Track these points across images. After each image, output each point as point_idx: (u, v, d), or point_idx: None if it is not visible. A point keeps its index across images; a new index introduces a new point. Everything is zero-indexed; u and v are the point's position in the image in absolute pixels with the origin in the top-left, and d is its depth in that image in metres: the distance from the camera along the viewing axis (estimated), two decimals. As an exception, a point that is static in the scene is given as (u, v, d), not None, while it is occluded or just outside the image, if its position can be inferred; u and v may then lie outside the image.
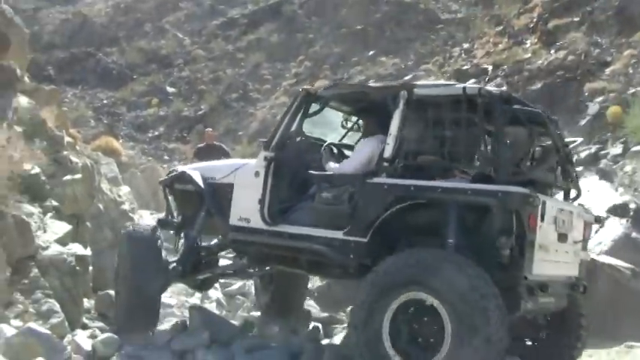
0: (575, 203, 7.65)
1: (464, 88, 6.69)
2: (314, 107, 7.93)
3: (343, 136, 8.69)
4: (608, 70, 17.96)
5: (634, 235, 10.48)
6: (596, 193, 12.00)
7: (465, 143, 6.52)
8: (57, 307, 7.80)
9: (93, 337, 7.92)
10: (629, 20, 19.38)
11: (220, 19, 39.42)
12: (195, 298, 11.12)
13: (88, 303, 9.32)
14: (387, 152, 6.83)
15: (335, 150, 8.35)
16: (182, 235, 8.98)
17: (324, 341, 8.21)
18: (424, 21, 31.46)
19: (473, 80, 24.59)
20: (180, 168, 9.37)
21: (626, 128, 14.28)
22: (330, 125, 8.70)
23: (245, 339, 8.31)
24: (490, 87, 7.76)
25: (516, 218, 6.10)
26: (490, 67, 23.75)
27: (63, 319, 7.73)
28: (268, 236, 7.70)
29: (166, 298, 11.07)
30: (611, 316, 9.10)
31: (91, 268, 9.62)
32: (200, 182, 8.53)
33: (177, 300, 11.11)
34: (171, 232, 9.18)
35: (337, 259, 7.08)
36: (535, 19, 23.41)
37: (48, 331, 7.09)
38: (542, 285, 6.37)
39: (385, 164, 6.85)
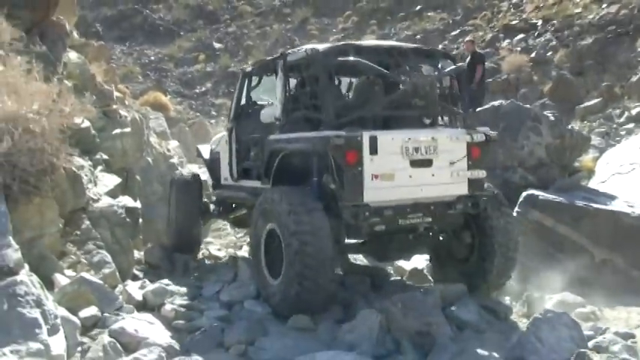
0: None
1: (305, 50, 8.02)
2: (254, 81, 9.61)
3: None
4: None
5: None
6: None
7: (313, 98, 7.82)
8: (108, 257, 7.93)
9: (143, 287, 8.04)
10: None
11: (267, -26, 39.14)
12: (244, 251, 11.22)
13: (138, 254, 9.45)
14: (277, 112, 8.35)
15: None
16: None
17: (373, 295, 8.25)
18: (473, -26, 30.89)
19: (521, 35, 24.28)
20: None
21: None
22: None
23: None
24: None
25: (333, 158, 7.19)
26: (539, 22, 23.37)
27: (114, 270, 7.86)
28: (234, 190, 9.69)
29: (215, 251, 11.23)
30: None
31: (140, 220, 9.73)
32: (204, 155, 11.12)
33: (225, 252, 11.23)
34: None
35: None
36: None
37: (100, 281, 7.22)
38: (377, 209, 7.28)
39: (276, 123, 8.34)
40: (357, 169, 7.11)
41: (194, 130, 21.91)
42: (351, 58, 7.73)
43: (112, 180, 9.42)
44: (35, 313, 5.61)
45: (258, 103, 9.74)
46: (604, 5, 20.70)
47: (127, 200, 9.34)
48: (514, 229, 8.28)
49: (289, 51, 8.65)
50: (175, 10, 36.85)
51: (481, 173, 7.84)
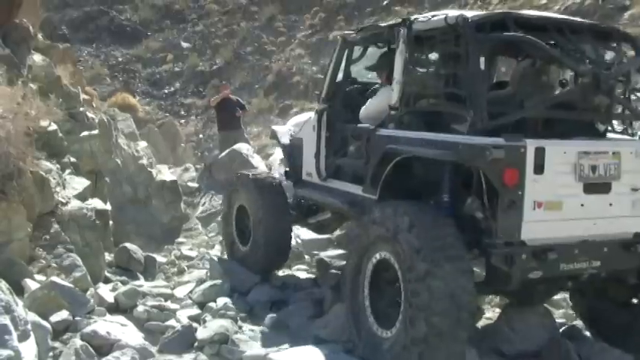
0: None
1: (445, 18, 5.90)
2: (356, 52, 7.74)
3: None
4: (626, 15, 17.67)
5: None
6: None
7: (451, 85, 5.88)
8: (79, 261, 7.86)
9: (115, 289, 8.00)
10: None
11: (233, -28, 39.08)
12: (216, 250, 11.20)
13: (109, 257, 9.40)
14: (393, 99, 6.41)
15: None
16: None
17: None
18: (439, -32, 31.04)
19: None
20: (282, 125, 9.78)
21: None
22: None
23: (264, 289, 8.39)
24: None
25: (484, 175, 5.42)
26: (506, 14, 23.48)
27: (85, 273, 7.80)
28: (320, 191, 7.87)
29: (187, 250, 11.20)
30: None
31: (111, 222, 9.69)
32: (282, 138, 9.03)
33: (197, 252, 11.21)
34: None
35: (357, 217, 6.84)
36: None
37: (71, 285, 7.18)
38: (536, 251, 5.47)
39: (392, 112, 6.45)
40: (517, 194, 5.29)
41: (163, 130, 21.79)
42: (515, 34, 5.70)
43: (80, 183, 9.35)
44: (4, 320, 5.53)
45: (360, 80, 8.13)
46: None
47: (96, 203, 9.30)
48: None
49: (416, 17, 6.49)
50: (142, 10, 36.59)
51: None
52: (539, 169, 5.33)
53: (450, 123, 5.94)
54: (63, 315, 6.61)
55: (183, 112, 28.38)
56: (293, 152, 8.68)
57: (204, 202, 14.42)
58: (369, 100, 7.28)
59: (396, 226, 5.59)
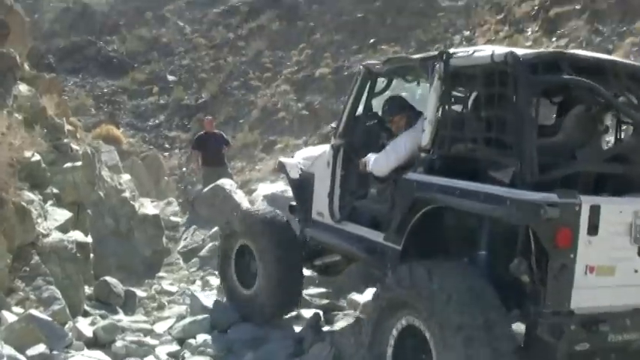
0: None
1: (492, 55, 5.27)
2: (379, 84, 7.05)
3: None
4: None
5: None
6: None
7: (496, 129, 5.21)
8: (58, 293, 7.80)
9: (94, 323, 7.93)
10: (631, 8, 19.33)
11: (221, 7, 39.18)
12: (196, 286, 11.14)
13: (89, 290, 9.32)
14: (424, 140, 5.79)
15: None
16: None
17: (325, 328, 8.20)
18: (425, 8, 31.27)
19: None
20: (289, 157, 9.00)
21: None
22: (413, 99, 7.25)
23: (245, 326, 8.32)
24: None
25: (534, 235, 4.80)
26: (491, 55, 23.72)
27: (64, 306, 7.73)
28: (332, 234, 7.13)
29: (167, 285, 11.14)
30: None
31: (92, 255, 9.62)
32: (290, 172, 8.17)
33: (178, 287, 11.14)
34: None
35: (377, 267, 6.41)
36: (536, 7, 23.33)
37: (49, 318, 7.11)
38: (586, 321, 4.94)
39: (422, 155, 5.81)
40: (569, 257, 4.73)
41: (147, 163, 21.74)
42: (574, 77, 5.13)
43: (62, 214, 9.30)
44: (-20, 353, 5.50)
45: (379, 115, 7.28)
46: (554, 39, 21.06)
47: (77, 235, 9.24)
48: None
49: (454, 50, 5.90)
50: (129, 42, 36.66)
51: None
52: (593, 229, 4.79)
53: (487, 169, 5.37)
54: (40, 349, 6.55)
55: (167, 145, 28.35)
56: (302, 188, 7.90)
57: (186, 237, 14.35)
58: (380, 154, 6.52)
59: (430, 293, 4.95)
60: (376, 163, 6.45)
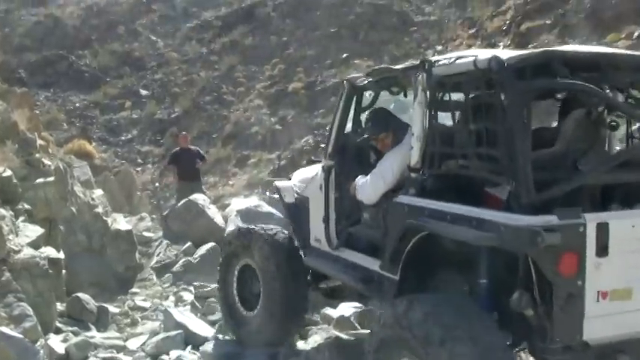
0: None
1: (474, 61, 4.66)
2: (366, 98, 6.54)
3: None
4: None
5: None
6: None
7: (488, 140, 4.57)
8: (29, 310, 7.73)
9: (66, 340, 7.87)
10: (601, 22, 19.52)
11: (194, 22, 39.23)
12: (170, 302, 11.07)
13: (61, 306, 9.23)
14: (413, 159, 5.25)
15: None
16: None
17: (299, 343, 8.18)
18: (398, 23, 31.52)
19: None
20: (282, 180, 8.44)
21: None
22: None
23: (219, 341, 8.29)
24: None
25: (534, 263, 4.26)
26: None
27: (36, 323, 7.67)
28: (329, 262, 6.64)
29: (140, 301, 11.06)
30: None
31: (64, 271, 9.55)
32: (285, 197, 7.70)
33: (151, 303, 11.07)
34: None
35: (376, 298, 6.05)
36: (508, 22, 23.56)
37: (20, 335, 7.04)
38: (602, 352, 4.52)
39: (412, 175, 5.30)
40: (576, 284, 4.19)
41: (119, 178, 21.63)
42: (568, 82, 4.49)
43: (34, 230, 9.22)
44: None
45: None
46: (524, 54, 21.32)
47: (50, 251, 9.18)
48: None
49: (437, 58, 5.24)
50: (101, 56, 36.54)
51: None
52: (602, 250, 4.23)
53: (483, 186, 4.94)
54: (11, 367, 6.49)
55: (139, 160, 28.28)
56: (299, 213, 7.36)
57: (159, 252, 14.26)
58: (367, 180, 5.96)
59: (430, 335, 4.35)
60: (363, 190, 5.95)
